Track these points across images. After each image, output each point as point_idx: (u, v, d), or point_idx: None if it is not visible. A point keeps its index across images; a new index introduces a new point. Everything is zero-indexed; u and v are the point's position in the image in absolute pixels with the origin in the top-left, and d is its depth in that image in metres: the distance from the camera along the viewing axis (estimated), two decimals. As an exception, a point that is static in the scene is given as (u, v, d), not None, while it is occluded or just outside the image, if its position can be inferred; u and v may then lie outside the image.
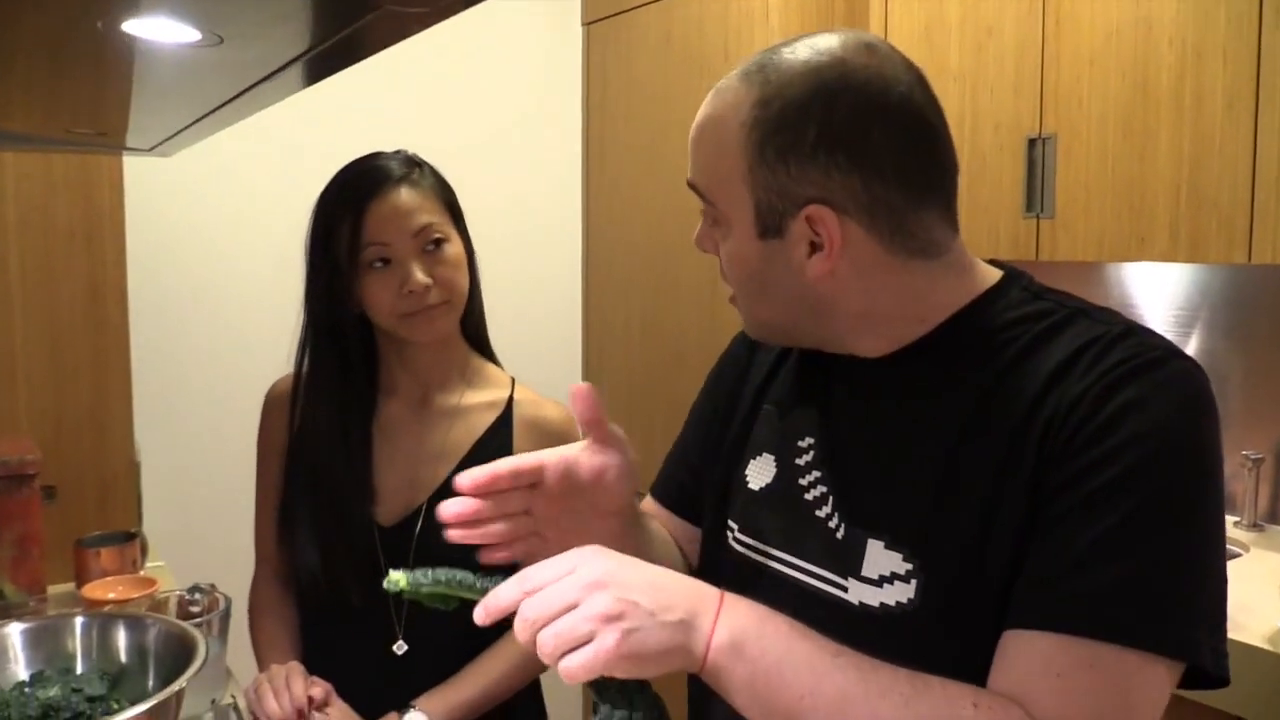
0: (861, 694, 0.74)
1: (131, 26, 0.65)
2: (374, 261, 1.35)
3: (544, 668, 1.39)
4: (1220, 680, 0.76)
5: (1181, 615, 0.74)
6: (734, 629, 0.75)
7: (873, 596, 0.85)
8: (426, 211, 1.36)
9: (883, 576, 0.84)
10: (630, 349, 2.98)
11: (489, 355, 1.51)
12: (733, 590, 0.82)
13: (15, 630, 1.17)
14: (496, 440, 1.41)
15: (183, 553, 2.13)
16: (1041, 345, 0.84)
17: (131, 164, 2.01)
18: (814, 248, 0.85)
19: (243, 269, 2.65)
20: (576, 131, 3.18)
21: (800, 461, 0.95)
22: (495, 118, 3.00)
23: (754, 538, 0.98)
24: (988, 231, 2.27)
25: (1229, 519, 2.17)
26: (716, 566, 1.01)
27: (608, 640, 0.70)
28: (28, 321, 1.92)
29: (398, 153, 1.41)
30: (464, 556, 1.35)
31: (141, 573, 1.84)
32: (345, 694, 1.33)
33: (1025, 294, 0.89)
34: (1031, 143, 2.20)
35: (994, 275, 0.92)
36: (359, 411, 1.41)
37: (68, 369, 1.96)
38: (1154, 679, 0.73)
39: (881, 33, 2.42)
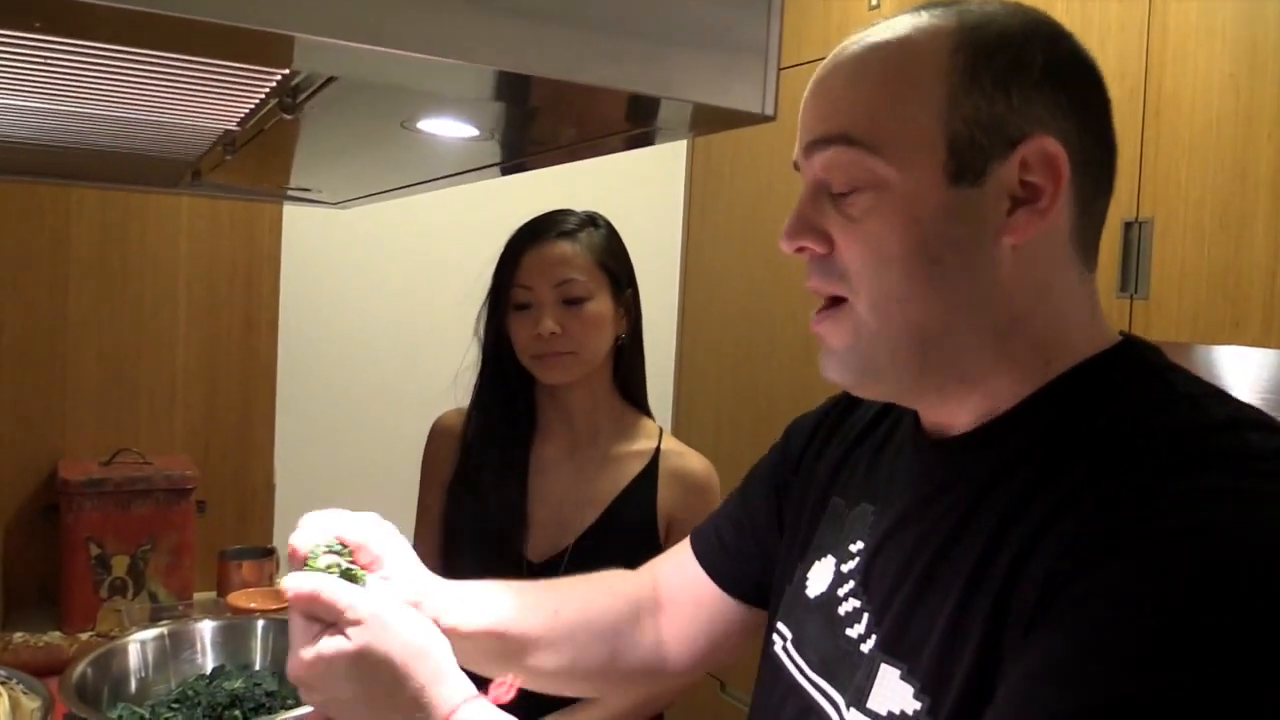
0: None
1: (426, 124, 0.80)
2: (519, 303, 1.50)
3: (668, 704, 1.50)
4: None
5: None
6: None
7: None
8: (575, 268, 1.49)
9: (891, 714, 0.72)
10: (721, 404, 3.09)
11: (643, 408, 1.62)
12: (771, 712, 0.84)
13: (207, 627, 1.32)
14: (641, 488, 1.53)
15: (306, 571, 2.27)
16: (1108, 438, 0.67)
17: (291, 208, 2.19)
18: (1015, 205, 0.70)
19: (385, 313, 2.82)
20: (680, 176, 3.29)
21: (845, 569, 0.84)
22: (598, 162, 3.13)
23: (800, 653, 0.87)
24: (1082, 308, 2.35)
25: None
26: (765, 672, 0.92)
27: None
28: (189, 349, 2.10)
29: (580, 212, 1.56)
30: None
31: (276, 586, 1.98)
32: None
33: (1138, 367, 0.73)
34: (1128, 225, 2.28)
35: (1112, 336, 0.76)
36: (519, 449, 1.54)
37: (220, 394, 2.13)
38: None
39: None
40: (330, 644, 0.78)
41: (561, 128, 0.75)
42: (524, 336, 1.49)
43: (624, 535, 1.50)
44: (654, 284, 3.30)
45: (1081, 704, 0.56)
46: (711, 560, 1.04)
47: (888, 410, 0.93)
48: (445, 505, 1.57)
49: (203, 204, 2.07)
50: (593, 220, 1.55)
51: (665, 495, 1.52)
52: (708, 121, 0.65)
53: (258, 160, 1.08)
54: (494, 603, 1.00)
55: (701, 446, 1.60)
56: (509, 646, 0.98)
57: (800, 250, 0.77)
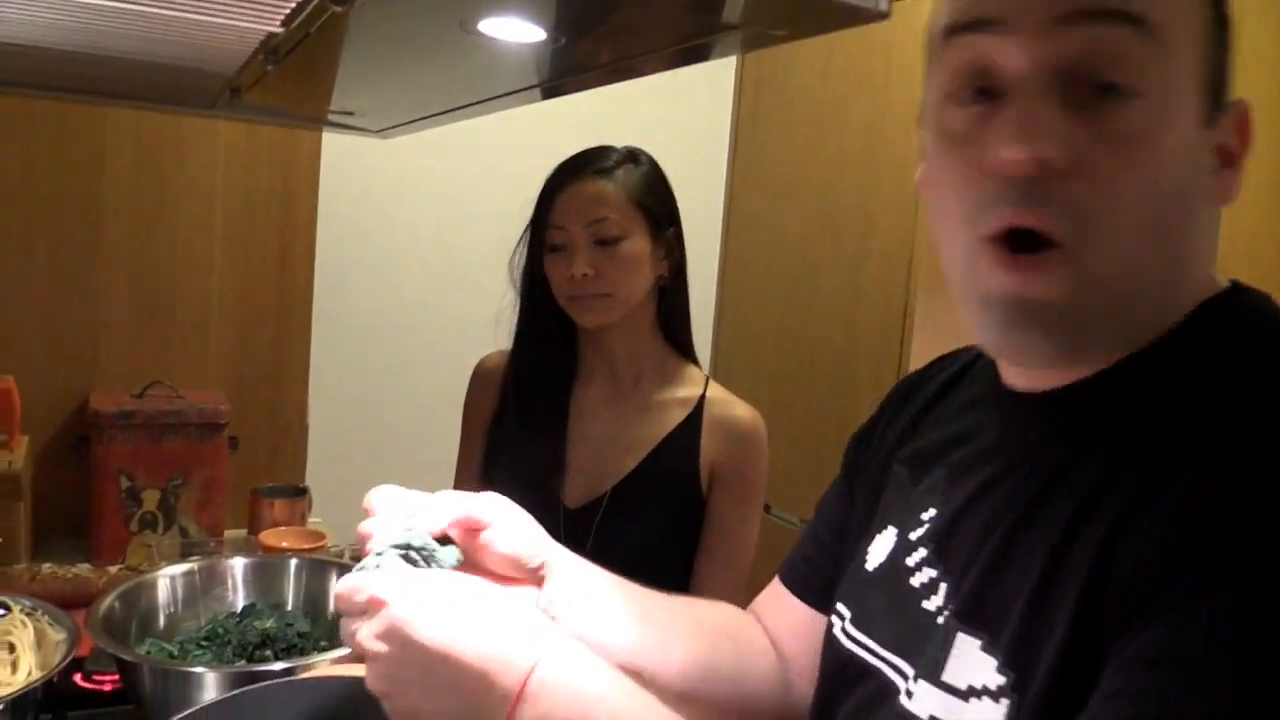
0: None
1: (487, 26, 0.72)
2: (553, 244, 1.44)
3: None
4: None
5: None
6: None
7: (949, 712, 0.66)
8: (609, 207, 1.43)
9: (971, 688, 0.65)
10: (762, 355, 3.02)
11: (688, 354, 1.56)
12: (842, 699, 0.78)
13: (239, 564, 1.28)
14: (684, 436, 1.47)
15: (337, 512, 2.23)
16: (1215, 397, 0.60)
17: (329, 142, 2.12)
18: (1220, 162, 0.64)
19: (425, 250, 2.75)
20: (726, 113, 3.17)
21: (913, 536, 0.78)
22: (641, 97, 2.93)
23: (862, 630, 0.81)
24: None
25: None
26: (827, 663, 0.86)
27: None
28: (223, 279, 2.05)
29: (621, 148, 1.49)
30: (645, 545, 1.42)
31: (309, 526, 1.95)
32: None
33: (1249, 315, 0.66)
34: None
35: (1217, 282, 0.69)
36: (559, 393, 1.49)
37: (254, 326, 2.09)
38: None
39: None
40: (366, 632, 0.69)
41: (640, 25, 0.67)
42: (559, 278, 1.44)
43: (664, 483, 1.45)
44: (695, 226, 3.20)
45: (1217, 706, 0.51)
46: (812, 594, 0.94)
47: (963, 373, 0.86)
48: (485, 448, 1.53)
49: (240, 132, 2.01)
50: (633, 156, 1.48)
51: (709, 444, 1.46)
52: (816, 19, 0.57)
53: (300, 73, 1.01)
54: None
55: (741, 395, 1.54)
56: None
57: (1031, 166, 0.59)
